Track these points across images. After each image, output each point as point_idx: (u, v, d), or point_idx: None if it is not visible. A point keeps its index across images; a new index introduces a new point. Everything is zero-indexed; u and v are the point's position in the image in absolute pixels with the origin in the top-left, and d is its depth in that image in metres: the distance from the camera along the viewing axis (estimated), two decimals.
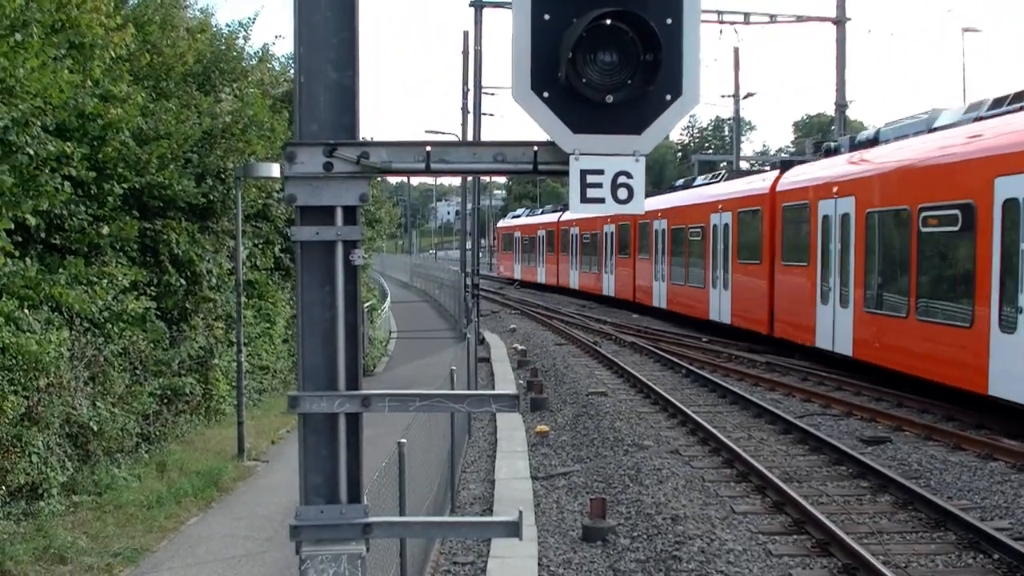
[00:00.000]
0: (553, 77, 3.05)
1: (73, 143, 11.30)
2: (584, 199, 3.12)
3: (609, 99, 3.04)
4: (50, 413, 10.28)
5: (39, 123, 10.43)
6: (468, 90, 29.60)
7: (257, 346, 17.65)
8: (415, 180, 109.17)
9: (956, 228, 15.44)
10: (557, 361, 23.64)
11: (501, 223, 73.59)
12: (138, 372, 12.88)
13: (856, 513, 10.64)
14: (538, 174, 3.29)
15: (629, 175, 3.13)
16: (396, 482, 6.53)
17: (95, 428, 11.14)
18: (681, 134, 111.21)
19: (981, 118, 15.90)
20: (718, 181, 30.51)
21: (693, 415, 15.61)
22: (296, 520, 3.22)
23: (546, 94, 3.07)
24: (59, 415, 10.55)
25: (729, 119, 74.24)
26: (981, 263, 14.55)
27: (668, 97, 3.13)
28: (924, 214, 16.41)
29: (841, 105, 30.59)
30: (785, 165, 25.00)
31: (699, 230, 29.36)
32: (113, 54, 12.42)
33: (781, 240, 23.32)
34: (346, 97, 3.20)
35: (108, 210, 12.64)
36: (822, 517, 9.89)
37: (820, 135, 50.60)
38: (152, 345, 13.27)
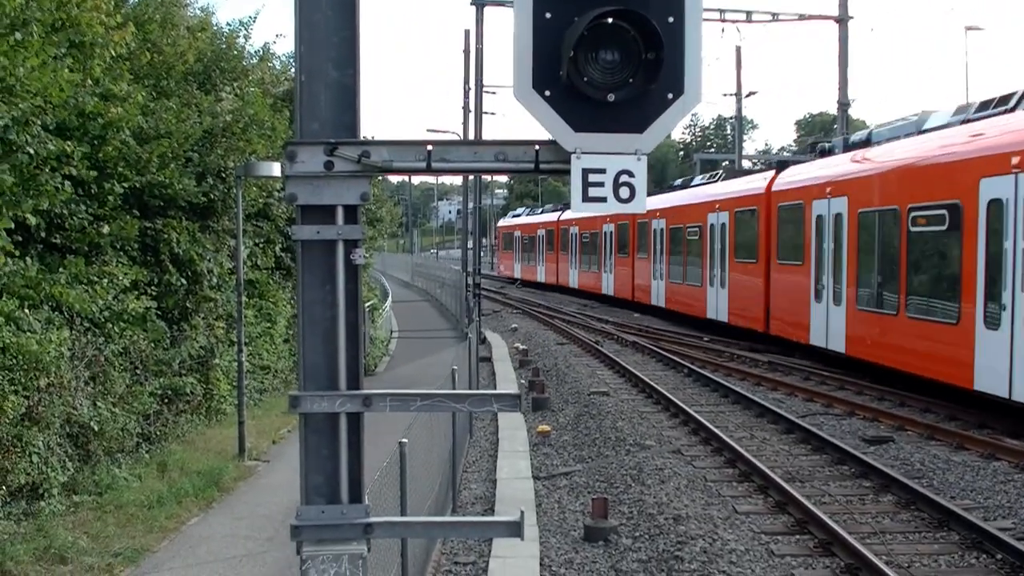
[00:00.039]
0: (555, 76, 3.04)
1: (73, 142, 11.28)
2: (586, 198, 3.11)
3: (611, 98, 3.03)
4: (50, 413, 10.26)
5: (39, 122, 10.41)
6: (469, 89, 29.58)
7: (258, 346, 17.64)
8: (416, 179, 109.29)
9: (943, 228, 15.85)
10: (559, 360, 23.62)
11: (501, 222, 73.67)
12: (139, 372, 12.86)
13: (859, 513, 10.61)
14: (540, 173, 3.28)
15: (631, 174, 3.12)
16: (397, 482, 6.51)
17: (96, 428, 11.12)
18: (683, 133, 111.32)
19: (968, 120, 16.27)
20: (715, 181, 30.88)
21: (695, 415, 15.59)
22: (297, 520, 3.21)
23: (548, 93, 3.06)
24: (59, 415, 10.53)
25: (731, 118, 74.22)
26: (967, 262, 14.96)
27: (670, 96, 3.11)
28: (913, 214, 16.83)
29: (843, 104, 30.55)
30: (781, 165, 25.39)
31: (697, 229, 29.67)
32: (113, 53, 12.40)
33: (777, 239, 23.72)
34: (347, 96, 3.19)
35: (108, 209, 12.62)
36: (824, 517, 9.86)
37: (822, 134, 50.67)
38: (153, 345, 13.25)
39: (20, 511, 9.75)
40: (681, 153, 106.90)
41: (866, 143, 20.25)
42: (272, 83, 20.40)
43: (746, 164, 43.85)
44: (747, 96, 45.00)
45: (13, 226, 10.16)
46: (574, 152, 3.08)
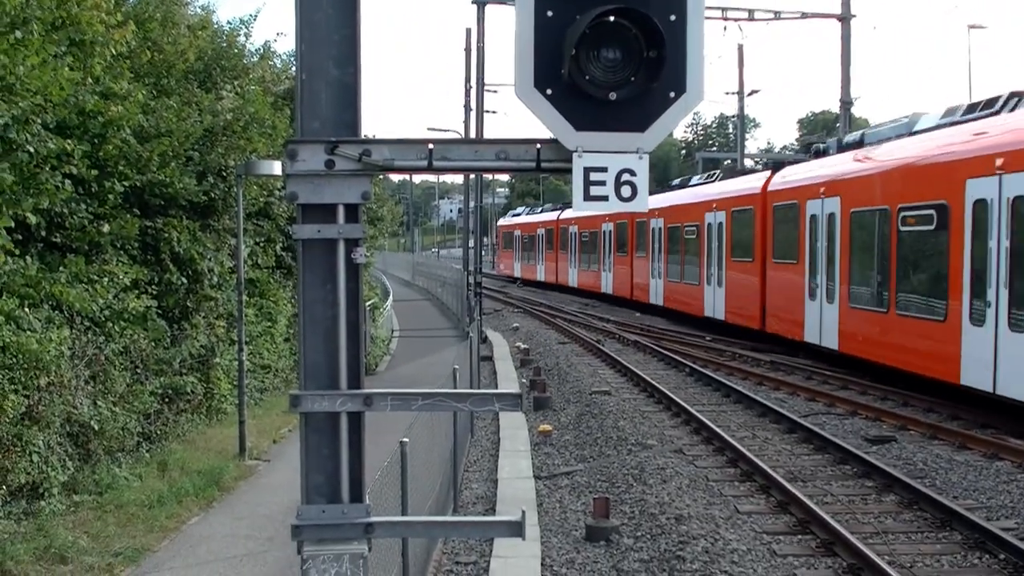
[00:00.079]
0: (556, 74, 3.03)
1: (74, 141, 11.26)
2: (588, 197, 3.10)
3: (612, 96, 3.02)
4: (51, 412, 10.25)
5: (39, 121, 10.39)
6: (471, 87, 29.56)
7: (258, 345, 17.62)
8: (417, 178, 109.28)
9: (931, 227, 16.31)
10: (560, 360, 23.60)
11: (501, 221, 73.76)
12: (139, 371, 12.84)
13: (861, 513, 10.59)
14: (541, 172, 3.27)
15: (633, 173, 3.11)
16: (398, 481, 6.50)
17: (96, 427, 11.11)
18: (685, 131, 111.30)
19: (956, 123, 16.77)
20: (713, 181, 31.32)
21: (697, 414, 15.57)
22: (298, 520, 3.20)
23: (549, 91, 3.05)
24: (60, 414, 10.51)
25: (733, 116, 74.21)
26: (954, 260, 15.43)
27: (672, 94, 3.11)
28: (903, 214, 17.27)
29: (846, 102, 30.49)
30: (777, 166, 25.88)
31: (694, 229, 30.03)
32: (114, 51, 12.39)
33: (772, 239, 24.13)
34: (348, 94, 3.18)
35: (109, 208, 12.60)
36: (827, 517, 9.84)
37: (825, 132, 50.65)
38: (153, 344, 13.23)
39: (20, 510, 9.74)
40: (683, 152, 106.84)
41: (859, 144, 20.65)
42: (273, 81, 20.38)
43: (748, 163, 43.79)
44: (749, 95, 44.92)
45: (13, 225, 10.14)
46: (576, 151, 3.08)
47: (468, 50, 29.86)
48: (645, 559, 9.21)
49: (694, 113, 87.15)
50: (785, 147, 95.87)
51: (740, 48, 47.67)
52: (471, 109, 29.78)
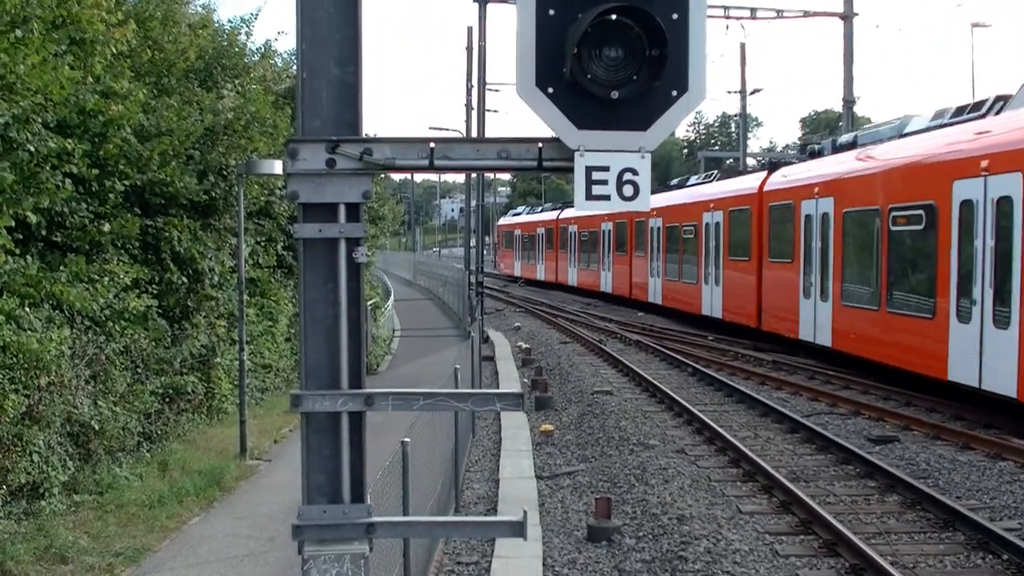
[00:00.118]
0: (558, 73, 3.02)
1: (74, 140, 11.24)
2: (589, 196, 3.09)
3: (614, 95, 3.01)
4: (51, 412, 10.23)
5: (40, 120, 10.37)
6: (472, 86, 29.56)
7: (259, 344, 17.61)
8: (419, 177, 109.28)
9: (920, 227, 16.79)
10: (562, 359, 23.58)
11: (502, 221, 73.85)
12: (140, 371, 12.83)
13: (864, 513, 10.56)
14: (543, 171, 3.27)
15: (635, 172, 3.11)
16: (399, 481, 6.47)
17: (96, 427, 11.09)
18: (687, 130, 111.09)
19: (945, 125, 17.25)
20: (711, 181, 31.73)
21: (699, 414, 15.54)
22: (299, 520, 3.19)
23: (551, 90, 3.04)
24: (60, 414, 10.50)
25: (735, 115, 74.14)
26: (942, 259, 15.88)
27: (674, 93, 3.10)
28: (893, 214, 17.75)
29: (848, 101, 30.45)
30: (773, 166, 26.34)
31: (692, 228, 30.39)
32: (114, 50, 12.37)
33: (768, 238, 24.57)
34: (349, 93, 3.18)
35: (109, 207, 12.58)
36: (829, 517, 9.82)
37: (827, 131, 50.58)
38: (154, 343, 13.22)
39: (21, 510, 9.72)
40: (685, 151, 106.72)
41: (852, 145, 21.07)
42: (274, 80, 20.35)
43: (751, 162, 43.72)
44: (752, 93, 44.87)
45: (14, 224, 10.13)
46: (577, 150, 3.07)
47: (469, 49, 29.86)
48: (647, 559, 9.19)
49: (696, 112, 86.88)
50: (788, 146, 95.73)
51: (742, 46, 47.44)
52: (472, 108, 29.81)
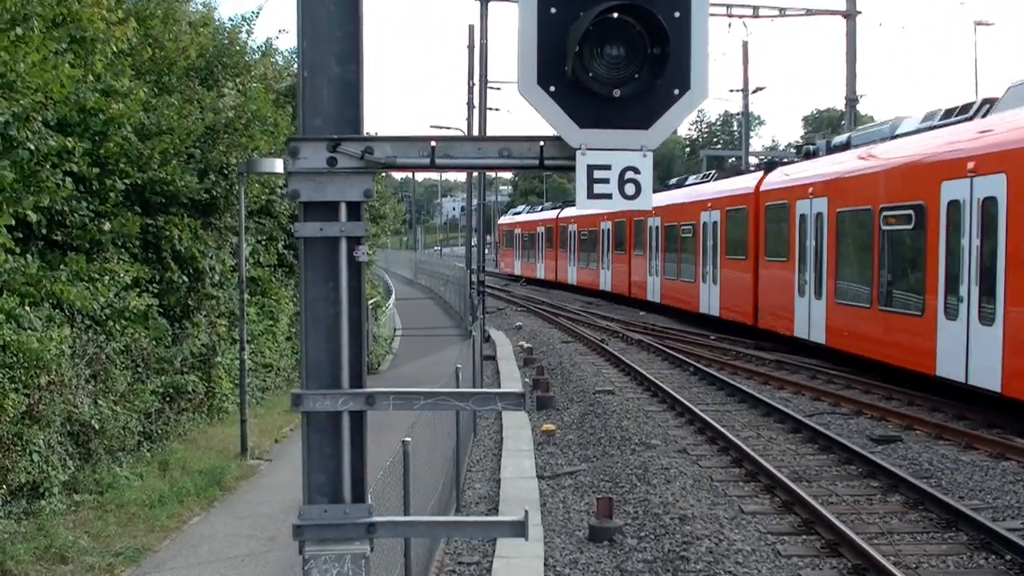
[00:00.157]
0: (560, 71, 3.01)
1: (74, 138, 11.21)
2: (591, 194, 3.09)
3: (616, 93, 3.00)
4: (51, 411, 10.21)
5: (40, 118, 10.34)
6: (474, 84, 29.53)
7: (260, 343, 17.58)
8: (420, 175, 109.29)
9: (910, 227, 17.20)
10: (563, 359, 23.56)
11: (502, 220, 73.96)
12: (140, 370, 12.80)
13: (866, 513, 10.53)
14: (544, 169, 3.26)
15: (636, 170, 3.10)
16: (401, 481, 6.46)
17: (96, 426, 11.06)
18: (689, 129, 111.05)
19: (934, 127, 17.71)
20: (708, 181, 32.08)
21: (701, 414, 15.51)
22: (299, 519, 3.19)
23: (552, 88, 3.04)
24: (60, 413, 10.47)
25: (738, 114, 74.06)
26: (930, 258, 16.34)
27: (676, 91, 3.09)
28: (884, 214, 18.15)
29: (851, 99, 30.43)
30: (769, 166, 26.77)
31: (690, 227, 30.71)
32: (115, 48, 12.34)
33: (764, 237, 24.94)
34: (350, 92, 3.17)
35: (110, 206, 12.57)
36: (832, 517, 9.79)
37: (830, 130, 50.51)
38: (154, 342, 13.19)
39: (21, 510, 9.70)
40: (687, 149, 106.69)
41: (846, 146, 21.53)
42: (275, 79, 20.33)
43: (753, 161, 43.59)
44: (754, 92, 44.76)
45: (14, 223, 10.11)
46: (579, 148, 3.06)
47: (471, 47, 29.83)
48: (649, 559, 9.17)
49: (698, 110, 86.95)
50: (790, 144, 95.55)
51: (745, 45, 47.24)
52: (474, 106, 29.80)
